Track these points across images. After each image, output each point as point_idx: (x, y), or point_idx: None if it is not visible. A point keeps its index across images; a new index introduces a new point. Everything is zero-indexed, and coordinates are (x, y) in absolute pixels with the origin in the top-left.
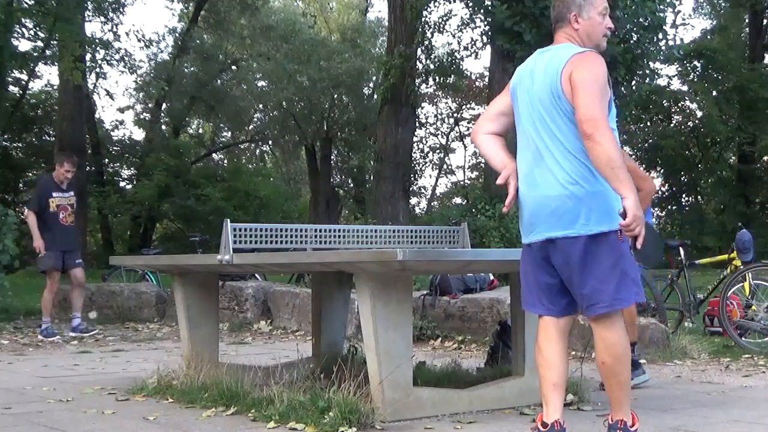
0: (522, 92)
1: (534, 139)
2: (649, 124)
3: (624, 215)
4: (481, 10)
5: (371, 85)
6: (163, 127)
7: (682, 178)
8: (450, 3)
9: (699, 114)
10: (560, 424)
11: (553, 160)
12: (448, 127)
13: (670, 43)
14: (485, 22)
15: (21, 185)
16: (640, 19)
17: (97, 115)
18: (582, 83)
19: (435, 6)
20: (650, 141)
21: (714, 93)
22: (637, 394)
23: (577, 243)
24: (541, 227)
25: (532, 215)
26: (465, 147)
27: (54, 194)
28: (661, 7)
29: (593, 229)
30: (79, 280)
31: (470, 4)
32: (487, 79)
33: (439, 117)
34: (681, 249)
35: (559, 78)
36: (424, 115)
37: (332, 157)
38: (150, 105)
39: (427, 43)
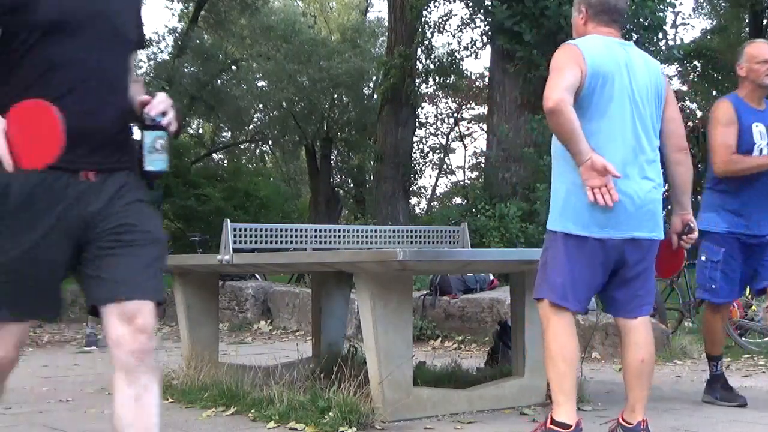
0: (620, 82)
1: (630, 133)
2: None
3: (693, 229)
4: (481, 10)
5: (371, 85)
6: None
7: None
8: (450, 3)
9: (699, 114)
10: (581, 422)
11: (648, 161)
12: (448, 127)
13: (670, 43)
14: (485, 22)
15: None
16: (640, 19)
17: None
18: (674, 97)
19: (435, 6)
20: None
21: (714, 93)
22: None
23: (654, 246)
24: (628, 225)
25: (621, 211)
26: (465, 147)
27: None
28: (661, 7)
29: (662, 234)
30: None
31: (470, 4)
32: (487, 79)
33: (439, 117)
34: None
35: (664, 84)
36: (424, 115)
37: (332, 157)
38: None
39: (427, 43)
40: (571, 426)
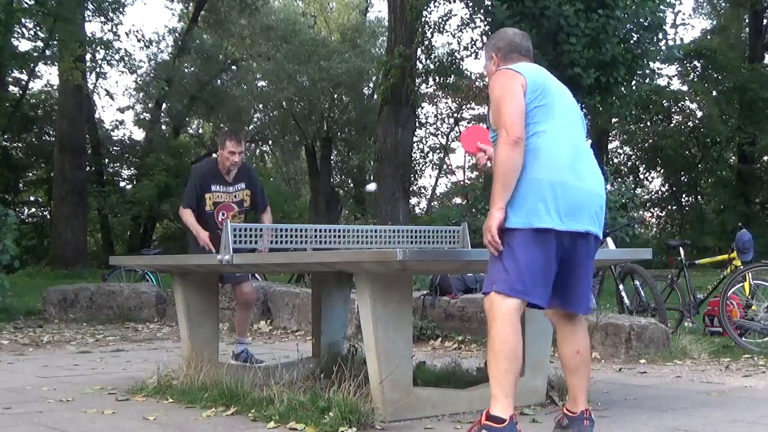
0: (557, 89)
1: (574, 134)
2: (649, 124)
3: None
4: (481, 10)
5: (371, 85)
6: (163, 127)
7: (682, 178)
8: (450, 3)
9: (699, 114)
10: (515, 417)
11: (592, 162)
12: (448, 127)
13: (670, 43)
14: (485, 22)
15: (21, 185)
16: (640, 19)
17: (97, 115)
18: None
19: (435, 6)
20: (650, 141)
21: (714, 93)
22: (637, 394)
23: (597, 243)
24: (584, 220)
25: (579, 205)
26: None
27: (213, 187)
28: (661, 7)
29: (602, 234)
30: (246, 297)
31: (470, 4)
32: (486, 79)
33: (439, 117)
34: (681, 249)
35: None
36: (424, 115)
37: (332, 157)
38: (150, 105)
39: (427, 43)
40: (506, 420)
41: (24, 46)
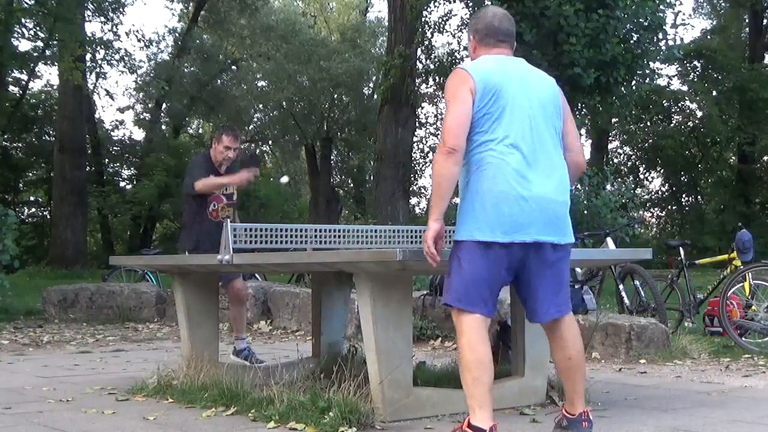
0: (512, 91)
1: (528, 139)
2: (649, 124)
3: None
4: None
5: (371, 85)
6: (163, 127)
7: (682, 178)
8: (450, 3)
9: (699, 114)
10: (496, 428)
11: (550, 166)
12: None
13: (670, 43)
14: None
15: (21, 185)
16: (640, 19)
17: (97, 115)
18: (570, 112)
19: (435, 6)
20: (650, 141)
21: (714, 93)
22: (637, 393)
23: (562, 250)
24: (532, 229)
25: (526, 215)
26: None
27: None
28: (661, 7)
29: (572, 238)
30: (238, 293)
31: (470, 4)
32: None
33: (439, 117)
34: (681, 249)
35: (560, 100)
36: (424, 115)
37: (332, 157)
38: (150, 105)
39: (427, 43)
40: (485, 430)
41: (24, 46)
